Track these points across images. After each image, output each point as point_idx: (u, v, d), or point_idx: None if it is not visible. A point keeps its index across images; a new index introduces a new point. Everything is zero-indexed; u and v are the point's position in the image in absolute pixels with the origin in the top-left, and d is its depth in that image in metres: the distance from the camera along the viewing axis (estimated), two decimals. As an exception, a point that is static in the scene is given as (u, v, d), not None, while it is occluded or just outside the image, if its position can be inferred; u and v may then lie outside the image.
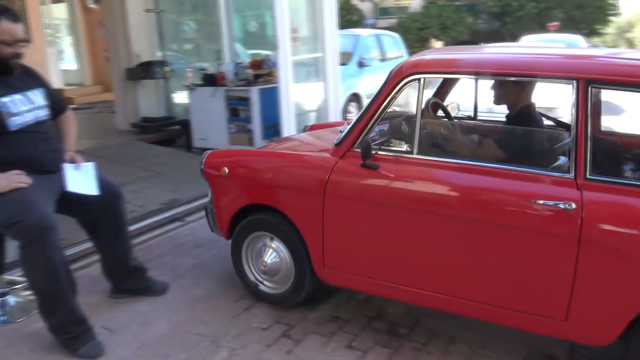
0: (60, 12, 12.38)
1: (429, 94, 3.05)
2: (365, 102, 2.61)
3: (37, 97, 2.75)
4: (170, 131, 7.40)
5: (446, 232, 2.41)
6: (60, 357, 2.58)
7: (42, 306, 2.57)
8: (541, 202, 2.17)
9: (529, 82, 2.73)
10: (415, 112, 2.50)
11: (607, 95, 2.42)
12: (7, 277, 3.07)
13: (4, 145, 2.55)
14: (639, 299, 2.08)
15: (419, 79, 2.46)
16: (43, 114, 2.75)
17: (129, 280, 3.10)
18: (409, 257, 2.54)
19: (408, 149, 2.54)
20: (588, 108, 2.13)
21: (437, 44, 25.06)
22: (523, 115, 2.80)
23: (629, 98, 2.43)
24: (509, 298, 2.34)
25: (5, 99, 2.56)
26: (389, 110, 2.59)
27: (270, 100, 5.92)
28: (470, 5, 27.62)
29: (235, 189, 3.05)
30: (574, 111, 2.16)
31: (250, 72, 6.39)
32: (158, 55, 7.65)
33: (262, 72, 6.51)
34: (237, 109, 6.37)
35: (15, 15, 2.57)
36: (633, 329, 2.14)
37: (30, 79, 2.78)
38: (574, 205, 2.11)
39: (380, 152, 2.58)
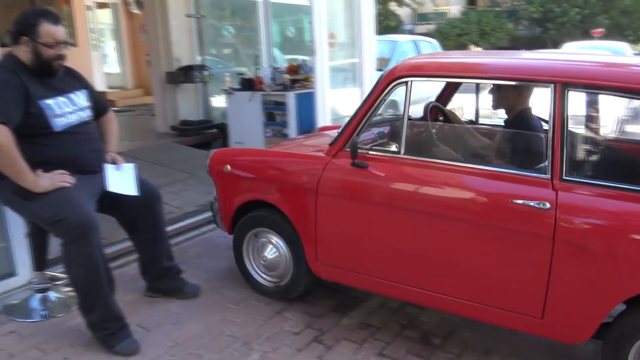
0: (105, 17, 12.74)
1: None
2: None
3: (80, 98, 2.81)
4: (208, 134, 7.51)
5: (427, 229, 2.51)
6: (97, 353, 2.65)
7: (81, 302, 2.64)
8: (518, 201, 2.24)
9: (525, 87, 2.80)
10: (408, 115, 2.59)
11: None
12: (50, 273, 3.16)
13: (48, 145, 2.62)
14: (611, 299, 2.12)
15: (406, 82, 2.56)
16: (86, 115, 2.81)
17: (162, 280, 3.15)
18: (392, 253, 2.64)
19: (396, 149, 2.63)
20: (564, 110, 2.19)
21: (476, 50, 24.77)
22: (519, 119, 2.85)
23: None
24: (487, 294, 2.41)
25: (50, 101, 2.63)
26: (392, 114, 2.67)
27: (307, 105, 5.94)
28: (511, 11, 27.20)
29: (237, 186, 3.20)
30: (551, 113, 2.21)
31: (287, 77, 6.44)
32: (198, 59, 7.79)
33: (299, 77, 6.55)
34: (273, 114, 6.42)
35: (57, 17, 2.64)
36: (608, 329, 2.20)
37: (74, 81, 2.85)
38: (548, 205, 2.17)
39: (371, 152, 2.69)
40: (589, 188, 2.17)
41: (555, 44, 23.41)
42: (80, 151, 2.73)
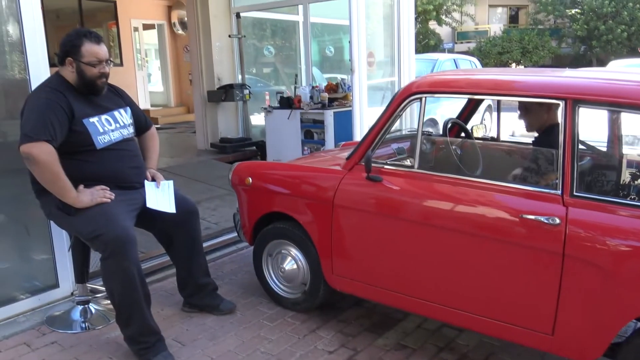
0: (150, 37, 13.17)
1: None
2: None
3: (124, 116, 2.89)
4: (246, 151, 7.62)
5: (439, 243, 2.51)
6: (133, 366, 2.68)
7: (118, 316, 2.69)
8: (528, 216, 2.23)
9: (553, 104, 2.76)
10: (422, 130, 2.65)
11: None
12: (90, 285, 3.24)
13: (89, 162, 2.70)
14: (621, 317, 2.08)
15: (420, 98, 2.62)
16: (128, 132, 2.89)
17: (198, 296, 3.18)
18: (404, 265, 2.65)
19: (410, 163, 2.68)
20: (575, 126, 2.19)
21: (518, 68, 24.38)
22: (548, 134, 2.83)
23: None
24: (497, 309, 2.39)
25: (93, 119, 2.71)
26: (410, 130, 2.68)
27: (345, 123, 5.95)
28: (554, 29, 26.70)
29: (257, 198, 3.28)
30: (562, 129, 2.22)
31: (325, 95, 6.48)
32: (238, 78, 7.94)
33: (338, 95, 6.58)
34: (311, 131, 6.46)
35: (98, 37, 2.73)
36: (620, 348, 2.16)
37: (117, 98, 2.94)
38: (557, 221, 2.16)
39: (386, 167, 2.73)
40: (600, 204, 2.14)
41: (601, 62, 22.84)
42: (121, 168, 2.79)
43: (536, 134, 2.99)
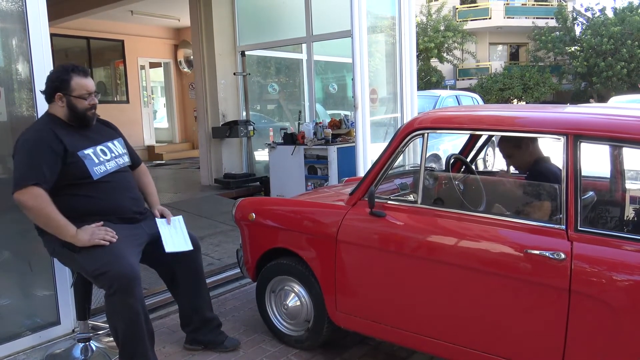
0: (156, 75, 13.41)
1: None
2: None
3: (117, 146, 2.89)
4: (250, 187, 7.64)
5: (443, 279, 2.48)
6: (134, 405, 2.62)
7: (121, 353, 2.65)
8: (533, 252, 2.21)
9: (530, 140, 2.85)
10: (425, 166, 2.66)
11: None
12: (92, 322, 3.20)
13: (87, 196, 2.68)
14: (631, 355, 2.03)
15: (422, 134, 2.64)
16: (123, 161, 2.87)
17: (201, 331, 3.14)
18: (409, 302, 2.62)
19: (413, 198, 2.67)
20: (577, 161, 2.19)
21: (520, 104, 24.64)
22: (536, 169, 2.87)
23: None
24: (506, 347, 2.35)
25: (88, 151, 2.70)
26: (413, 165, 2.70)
27: (348, 159, 5.99)
28: (554, 66, 27.07)
29: (260, 233, 3.27)
30: (564, 164, 2.22)
31: (329, 131, 6.54)
32: (243, 115, 8.03)
33: (341, 131, 6.64)
34: (315, 167, 6.49)
35: (85, 70, 2.76)
36: None
37: (109, 130, 2.94)
38: (563, 256, 2.14)
39: (389, 202, 2.73)
40: (605, 239, 2.13)
41: (602, 98, 23.04)
42: (121, 199, 2.78)
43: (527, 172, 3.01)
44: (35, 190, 2.51)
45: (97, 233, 2.60)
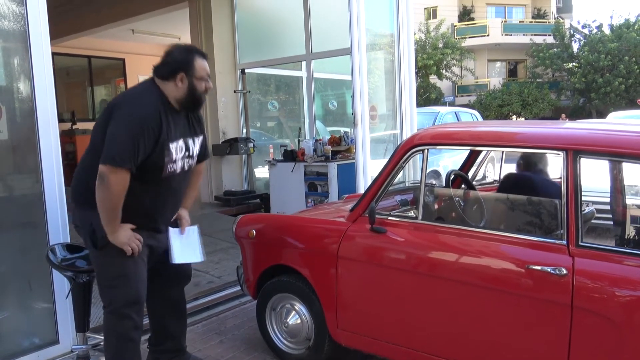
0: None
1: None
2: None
3: (196, 145, 2.71)
4: (250, 204, 7.63)
5: (444, 295, 2.47)
6: None
7: None
8: (534, 267, 2.21)
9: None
10: (425, 182, 2.66)
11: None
12: (91, 335, 3.14)
13: (137, 195, 2.48)
14: None
15: (422, 150, 2.66)
16: (191, 162, 2.71)
17: (168, 356, 2.92)
18: (411, 319, 2.61)
19: (414, 214, 2.67)
20: (577, 177, 2.20)
21: (518, 120, 24.76)
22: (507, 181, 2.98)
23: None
24: None
25: (172, 145, 2.52)
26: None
27: (348, 176, 6.00)
28: (553, 82, 27.25)
29: (261, 250, 3.26)
30: (564, 180, 2.23)
31: (329, 148, 6.56)
32: (243, 132, 8.05)
33: (341, 148, 6.65)
34: (315, 184, 6.50)
35: (204, 53, 2.65)
36: None
37: (198, 126, 2.75)
38: (564, 271, 2.14)
39: (390, 218, 2.73)
40: (606, 254, 2.13)
41: (600, 114, 23.14)
42: (162, 206, 2.64)
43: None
44: (124, 176, 2.37)
45: (133, 242, 2.49)
